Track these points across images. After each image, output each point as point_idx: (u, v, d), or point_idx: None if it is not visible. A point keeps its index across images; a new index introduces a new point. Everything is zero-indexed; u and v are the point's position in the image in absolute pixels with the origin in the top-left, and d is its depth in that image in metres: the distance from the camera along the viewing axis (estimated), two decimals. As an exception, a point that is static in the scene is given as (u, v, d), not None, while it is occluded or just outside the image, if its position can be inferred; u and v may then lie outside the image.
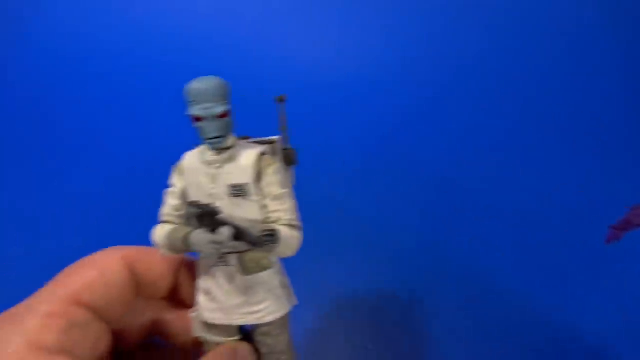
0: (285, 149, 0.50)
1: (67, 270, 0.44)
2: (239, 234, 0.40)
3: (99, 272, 0.44)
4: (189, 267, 0.50)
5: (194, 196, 0.44)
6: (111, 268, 0.45)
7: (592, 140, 0.81)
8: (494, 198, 0.82)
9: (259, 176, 0.44)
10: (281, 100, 0.50)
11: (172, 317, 0.51)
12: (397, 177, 0.81)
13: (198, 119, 0.42)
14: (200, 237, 0.40)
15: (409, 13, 0.81)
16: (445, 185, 0.80)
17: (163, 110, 0.86)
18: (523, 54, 0.81)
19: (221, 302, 0.44)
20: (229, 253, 0.44)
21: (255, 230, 0.41)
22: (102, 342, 0.43)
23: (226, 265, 0.44)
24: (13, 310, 0.41)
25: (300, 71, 0.82)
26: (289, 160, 0.50)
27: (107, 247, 0.88)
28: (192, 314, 0.47)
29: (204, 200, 0.42)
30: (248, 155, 0.44)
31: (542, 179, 0.81)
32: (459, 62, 0.81)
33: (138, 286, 0.47)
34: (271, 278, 0.45)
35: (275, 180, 0.44)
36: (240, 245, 0.41)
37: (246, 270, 0.43)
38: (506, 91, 0.81)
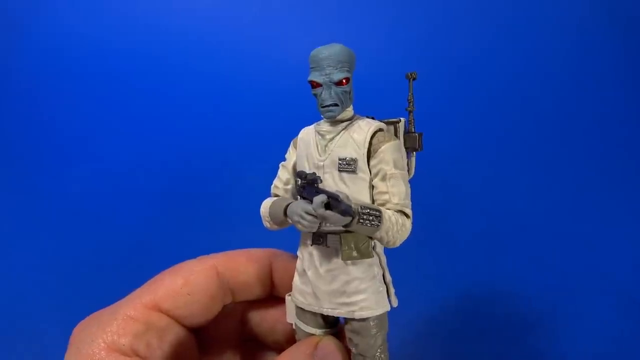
0: (409, 132, 0.45)
1: (156, 277, 0.45)
2: (332, 203, 0.35)
3: (184, 280, 0.44)
4: (286, 264, 0.48)
5: (302, 167, 0.42)
6: (197, 277, 0.45)
7: (592, 140, 0.81)
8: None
9: (370, 153, 0.40)
10: (412, 77, 0.45)
11: (264, 317, 0.50)
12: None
13: (315, 85, 0.40)
14: (295, 206, 0.37)
15: (410, 12, 0.81)
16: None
17: (163, 110, 0.86)
18: (523, 54, 0.81)
19: (314, 286, 0.40)
20: (329, 233, 0.40)
21: (355, 205, 0.36)
22: (183, 345, 0.44)
23: (324, 245, 0.40)
24: (100, 313, 0.42)
25: (300, 72, 0.83)
26: (411, 144, 0.44)
27: (107, 247, 0.87)
28: (287, 296, 0.44)
29: (311, 171, 0.40)
30: (362, 130, 0.40)
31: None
32: (460, 63, 0.81)
33: (229, 292, 0.47)
34: (372, 269, 0.40)
35: (389, 159, 0.39)
36: (339, 221, 0.35)
37: (343, 253, 0.39)
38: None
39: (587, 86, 0.80)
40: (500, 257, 0.79)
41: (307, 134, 0.43)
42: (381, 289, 0.41)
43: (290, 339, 0.47)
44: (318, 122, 0.43)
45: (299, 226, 0.37)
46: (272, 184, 0.46)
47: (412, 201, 0.41)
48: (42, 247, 0.87)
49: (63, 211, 0.87)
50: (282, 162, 0.45)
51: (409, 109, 0.46)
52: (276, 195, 0.45)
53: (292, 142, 0.45)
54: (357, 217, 0.36)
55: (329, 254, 0.40)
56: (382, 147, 0.40)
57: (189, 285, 0.44)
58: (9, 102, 0.88)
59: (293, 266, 0.46)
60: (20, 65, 0.87)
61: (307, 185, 0.38)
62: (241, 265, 0.47)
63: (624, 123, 0.80)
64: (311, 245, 0.41)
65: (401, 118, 0.45)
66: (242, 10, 0.84)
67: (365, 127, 0.41)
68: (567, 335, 0.76)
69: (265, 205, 0.43)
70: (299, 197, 0.41)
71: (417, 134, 0.45)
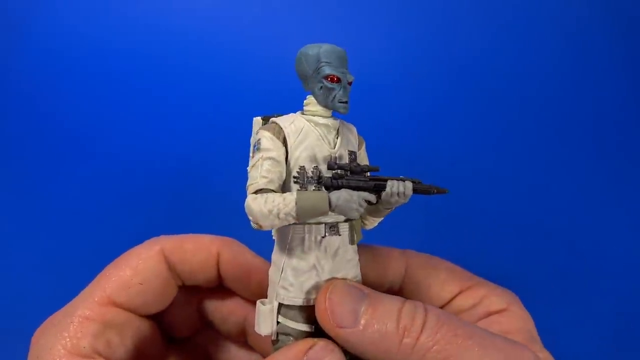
0: None
1: (104, 271, 0.45)
2: (418, 187, 0.41)
3: (133, 270, 0.43)
4: (234, 254, 0.48)
5: (306, 159, 0.42)
6: (146, 264, 0.44)
7: (592, 141, 0.81)
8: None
9: (358, 147, 0.47)
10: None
11: (217, 307, 0.50)
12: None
13: (335, 80, 0.42)
14: (349, 196, 0.39)
15: (410, 13, 0.81)
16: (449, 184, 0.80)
17: (163, 110, 0.86)
18: (523, 54, 0.81)
19: (329, 274, 0.41)
20: (339, 222, 0.43)
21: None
22: (145, 336, 0.44)
23: (338, 234, 0.43)
24: (55, 316, 0.42)
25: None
26: None
27: (106, 248, 0.87)
28: (264, 307, 0.41)
29: (323, 162, 0.42)
30: (351, 128, 0.47)
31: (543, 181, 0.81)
32: (460, 63, 0.81)
33: (178, 277, 0.46)
34: (356, 250, 0.45)
35: (365, 154, 0.48)
36: (402, 203, 0.42)
37: (357, 236, 0.43)
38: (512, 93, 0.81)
39: (586, 86, 0.80)
40: (495, 254, 0.79)
41: (297, 124, 0.43)
42: (359, 266, 0.46)
43: (241, 330, 0.48)
44: (307, 116, 0.44)
45: (355, 213, 0.40)
46: (259, 180, 0.41)
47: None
48: (42, 247, 0.87)
49: (63, 211, 0.87)
50: (268, 155, 0.41)
51: None
52: (271, 191, 0.41)
53: (272, 134, 0.42)
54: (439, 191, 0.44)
55: (340, 242, 0.43)
56: (363, 144, 0.47)
57: (139, 274, 0.43)
58: (9, 102, 0.88)
59: (243, 257, 0.46)
60: (20, 65, 0.87)
61: (351, 174, 0.41)
62: (188, 252, 0.46)
63: (624, 123, 0.80)
64: (324, 237, 0.42)
65: None
66: (242, 10, 0.84)
67: (350, 126, 0.47)
68: (566, 335, 0.76)
69: (281, 201, 0.39)
70: (321, 187, 0.41)
71: None
